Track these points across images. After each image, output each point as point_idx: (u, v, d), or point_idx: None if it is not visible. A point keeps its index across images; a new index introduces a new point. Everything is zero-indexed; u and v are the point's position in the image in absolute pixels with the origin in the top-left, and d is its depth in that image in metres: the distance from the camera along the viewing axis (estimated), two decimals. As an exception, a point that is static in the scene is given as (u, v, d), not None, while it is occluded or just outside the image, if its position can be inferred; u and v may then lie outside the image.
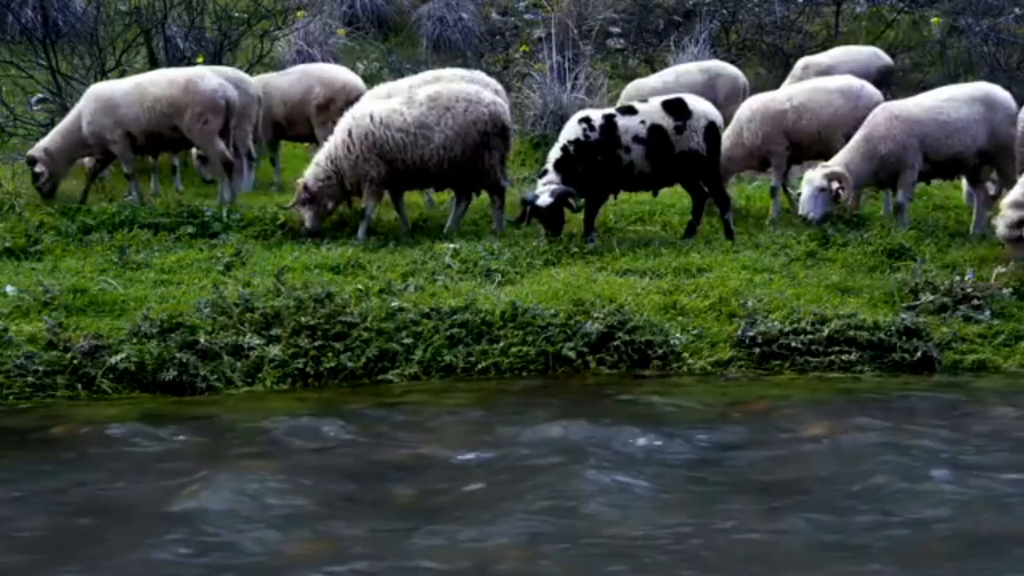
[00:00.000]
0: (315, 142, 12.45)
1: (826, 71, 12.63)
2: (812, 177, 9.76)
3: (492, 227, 10.06)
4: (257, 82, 11.71)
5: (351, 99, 11.59)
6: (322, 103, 11.93)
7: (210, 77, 10.49)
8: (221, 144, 10.38)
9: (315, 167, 9.73)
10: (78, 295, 7.77)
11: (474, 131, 9.68)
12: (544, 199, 9.23)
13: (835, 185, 9.66)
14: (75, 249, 9.00)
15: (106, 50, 13.22)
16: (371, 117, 9.61)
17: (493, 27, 17.84)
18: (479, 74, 11.04)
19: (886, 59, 13.71)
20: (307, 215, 9.73)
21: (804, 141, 10.71)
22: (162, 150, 11.15)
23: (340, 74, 12.37)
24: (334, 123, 10.76)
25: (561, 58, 14.53)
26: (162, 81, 10.41)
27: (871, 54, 13.75)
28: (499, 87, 10.77)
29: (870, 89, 10.87)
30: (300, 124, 12.19)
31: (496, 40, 17.52)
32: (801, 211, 9.85)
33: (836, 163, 9.74)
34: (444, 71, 11.23)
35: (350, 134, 9.63)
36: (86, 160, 10.85)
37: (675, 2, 18.02)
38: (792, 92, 11.03)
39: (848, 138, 10.29)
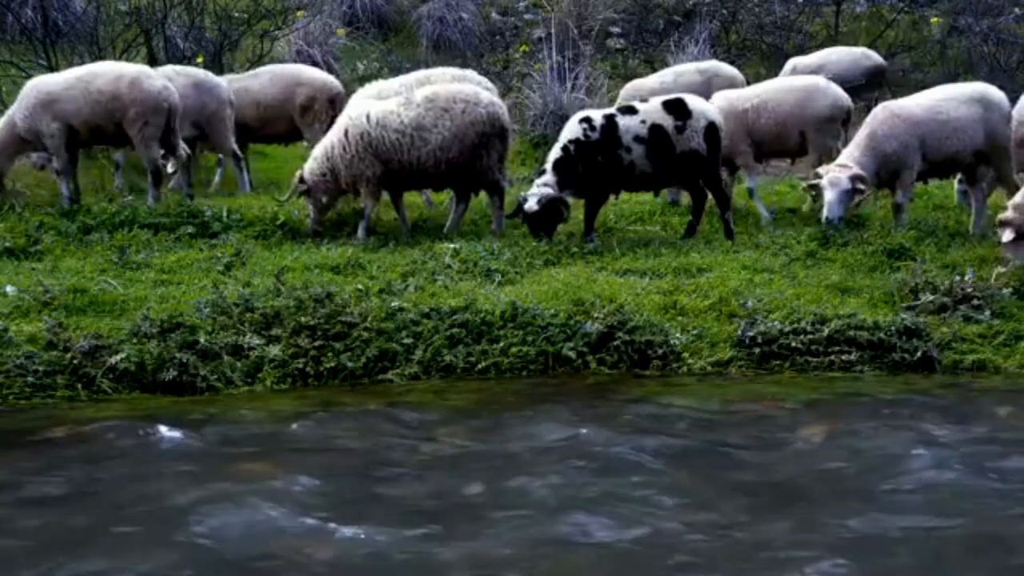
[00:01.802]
0: (287, 142, 12.60)
1: (814, 72, 12.65)
2: (837, 179, 9.48)
3: (492, 227, 10.06)
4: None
5: (331, 96, 11.89)
6: (305, 103, 12.02)
7: (156, 78, 10.28)
8: (156, 150, 10.23)
9: (312, 162, 9.79)
10: (78, 295, 7.76)
11: (472, 132, 9.67)
12: (531, 205, 9.23)
13: (860, 186, 9.56)
14: (75, 249, 8.99)
15: (106, 50, 13.23)
16: (368, 117, 9.61)
17: (493, 27, 17.86)
18: (471, 73, 11.05)
19: (876, 59, 13.71)
20: (309, 207, 9.82)
21: (764, 139, 10.77)
22: (105, 144, 10.99)
23: (316, 73, 12.57)
24: (320, 121, 10.77)
25: (561, 58, 14.53)
26: (108, 75, 10.17)
27: (860, 54, 13.76)
28: (491, 85, 10.77)
29: (835, 89, 10.90)
30: (277, 124, 12.19)
31: (496, 40, 17.53)
32: (827, 214, 9.52)
33: (845, 162, 9.67)
34: (435, 70, 11.22)
35: (346, 134, 9.63)
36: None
37: (675, 2, 18.03)
38: (756, 90, 11.07)
39: (804, 136, 10.39)
